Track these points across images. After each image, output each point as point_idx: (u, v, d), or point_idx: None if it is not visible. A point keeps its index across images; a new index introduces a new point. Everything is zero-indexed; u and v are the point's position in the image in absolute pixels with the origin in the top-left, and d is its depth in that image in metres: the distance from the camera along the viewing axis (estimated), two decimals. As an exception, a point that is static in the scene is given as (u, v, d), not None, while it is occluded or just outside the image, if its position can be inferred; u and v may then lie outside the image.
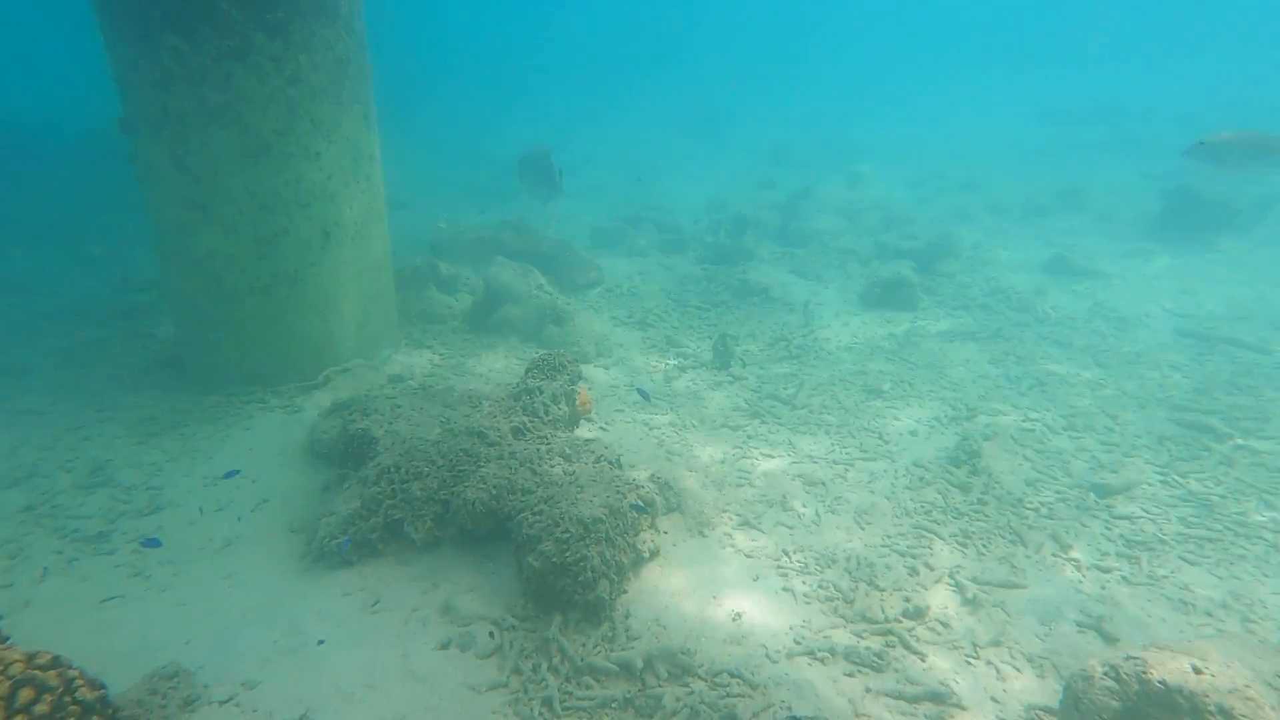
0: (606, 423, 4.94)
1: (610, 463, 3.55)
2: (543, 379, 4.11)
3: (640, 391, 4.67)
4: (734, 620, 3.02)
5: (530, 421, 3.83)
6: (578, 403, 4.33)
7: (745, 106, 25.46)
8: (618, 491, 3.15)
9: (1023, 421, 4.90)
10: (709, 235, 9.62)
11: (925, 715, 2.62)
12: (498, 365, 5.61)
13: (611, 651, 2.73)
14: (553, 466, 3.41)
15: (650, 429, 4.89)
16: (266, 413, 4.52)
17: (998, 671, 2.84)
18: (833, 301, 7.63)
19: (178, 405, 4.49)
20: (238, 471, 3.73)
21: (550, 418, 3.96)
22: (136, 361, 5.18)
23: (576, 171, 15.78)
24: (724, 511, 3.81)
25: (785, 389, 5.55)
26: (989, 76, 27.71)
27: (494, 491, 3.12)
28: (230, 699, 2.50)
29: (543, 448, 3.56)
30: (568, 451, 3.57)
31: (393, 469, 3.25)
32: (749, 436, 4.83)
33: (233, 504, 3.65)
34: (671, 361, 6.04)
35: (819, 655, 2.85)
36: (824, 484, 4.17)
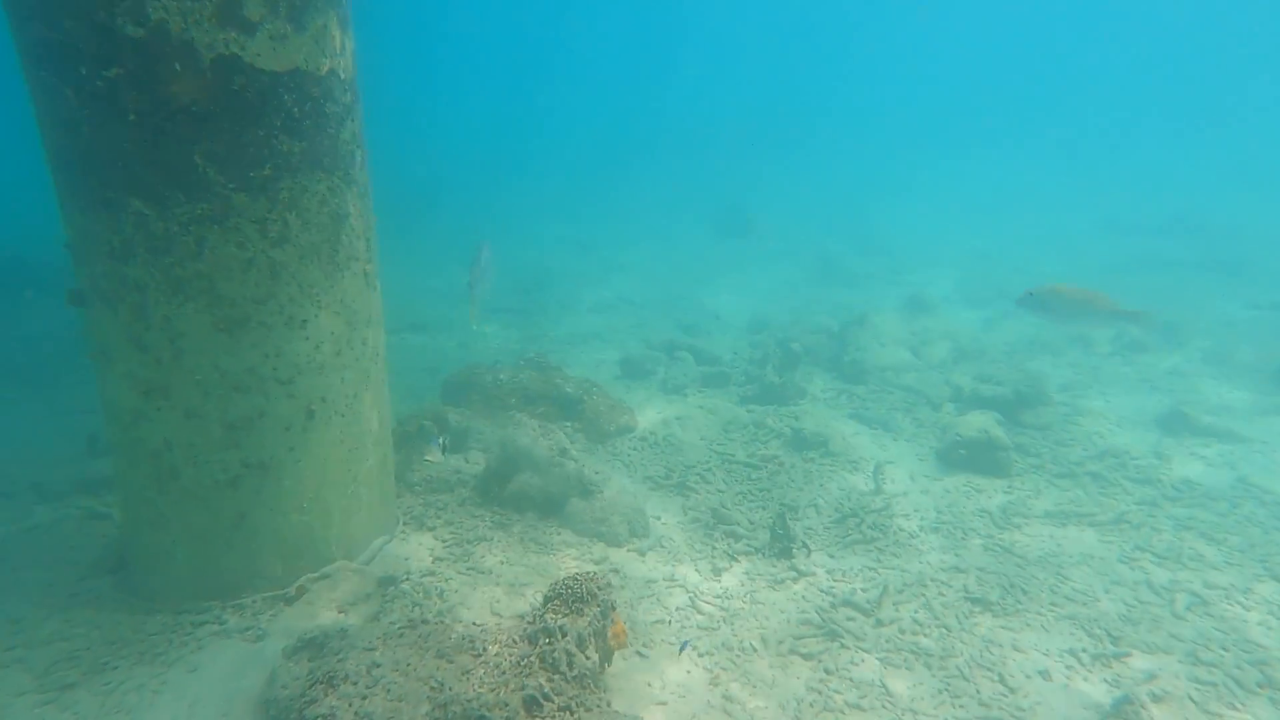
0: (645, 645, 4.06)
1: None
2: (566, 614, 3.30)
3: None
4: None
5: (550, 681, 2.99)
6: (610, 636, 3.51)
7: (775, 201, 25.72)
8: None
9: (1194, 667, 3.89)
10: (753, 368, 8.99)
11: None
12: (513, 555, 4.82)
13: None
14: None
15: (700, 655, 4.00)
16: (221, 640, 3.75)
17: None
18: (905, 459, 6.79)
19: (112, 633, 3.75)
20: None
21: (576, 672, 3.12)
22: (82, 558, 4.51)
23: (607, 284, 15.58)
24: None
25: (863, 589, 4.65)
26: (1049, 178, 27.82)
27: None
28: None
29: (563, 740, 2.70)
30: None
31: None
32: (827, 672, 3.91)
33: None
34: (720, 545, 5.19)
35: None
36: (943, 770, 3.20)
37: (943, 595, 4.52)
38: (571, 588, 3.35)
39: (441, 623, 3.48)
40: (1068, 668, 3.88)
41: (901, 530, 5.42)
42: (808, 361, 9.14)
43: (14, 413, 7.65)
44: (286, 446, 3.98)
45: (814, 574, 4.81)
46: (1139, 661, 3.90)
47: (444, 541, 4.91)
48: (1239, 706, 3.58)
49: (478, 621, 3.58)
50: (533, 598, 4.38)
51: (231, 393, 3.75)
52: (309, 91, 3.44)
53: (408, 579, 4.41)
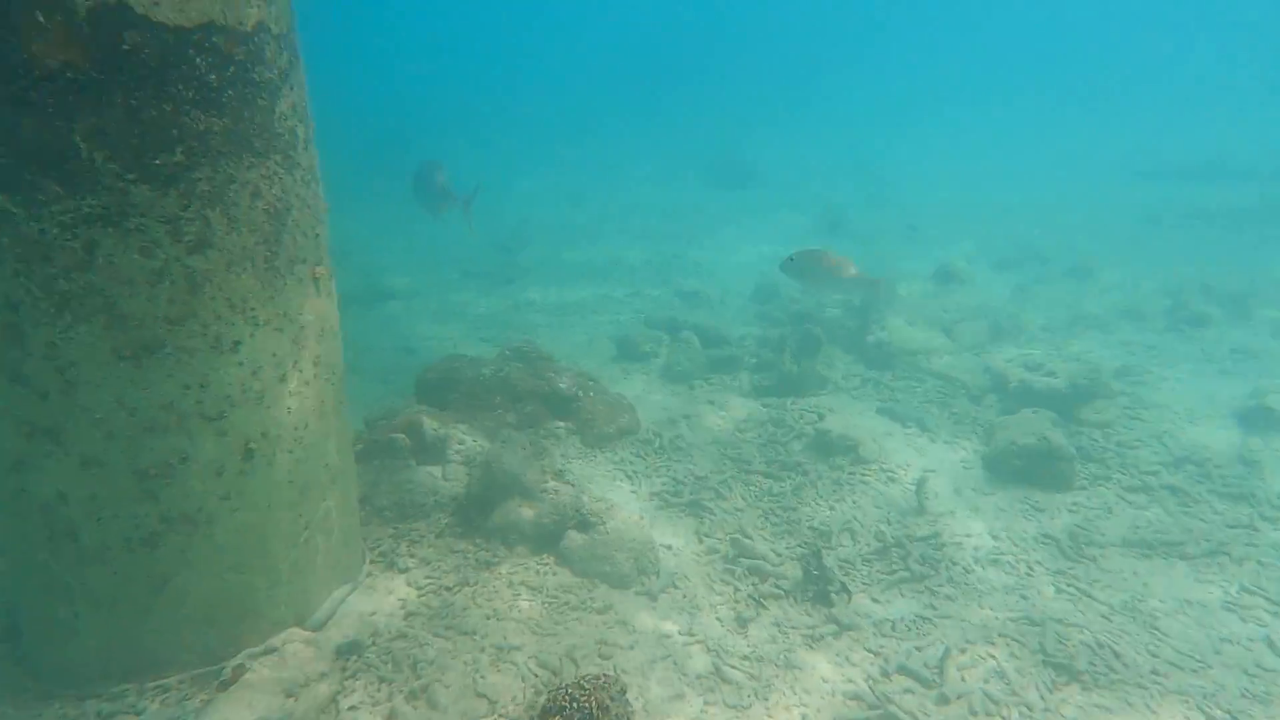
0: (663, 727, 3.59)
1: None
2: (574, 729, 2.79)
3: None
4: None
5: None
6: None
7: (777, 150, 24.89)
8: None
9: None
10: (766, 351, 8.43)
11: None
12: (500, 606, 4.30)
13: None
14: None
15: None
16: (135, 742, 3.21)
17: None
18: (946, 466, 6.32)
19: (-3, 731, 3.20)
20: None
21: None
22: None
23: (599, 241, 14.84)
24: None
25: (918, 648, 4.20)
26: (1068, 116, 27.03)
27: None
28: None
29: None
30: None
31: None
32: (887, 770, 3.47)
33: None
34: (744, 586, 4.71)
35: None
36: None
37: (1016, 659, 4.08)
38: (576, 699, 2.83)
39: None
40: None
41: (954, 564, 4.96)
42: (828, 344, 8.58)
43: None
44: (219, 495, 3.37)
45: (858, 627, 4.34)
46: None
47: (418, 589, 4.37)
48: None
49: (463, 731, 3.06)
50: (524, 667, 3.88)
51: (143, 434, 3.12)
52: (229, 53, 2.71)
53: (374, 643, 3.88)
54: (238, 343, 3.19)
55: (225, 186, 2.89)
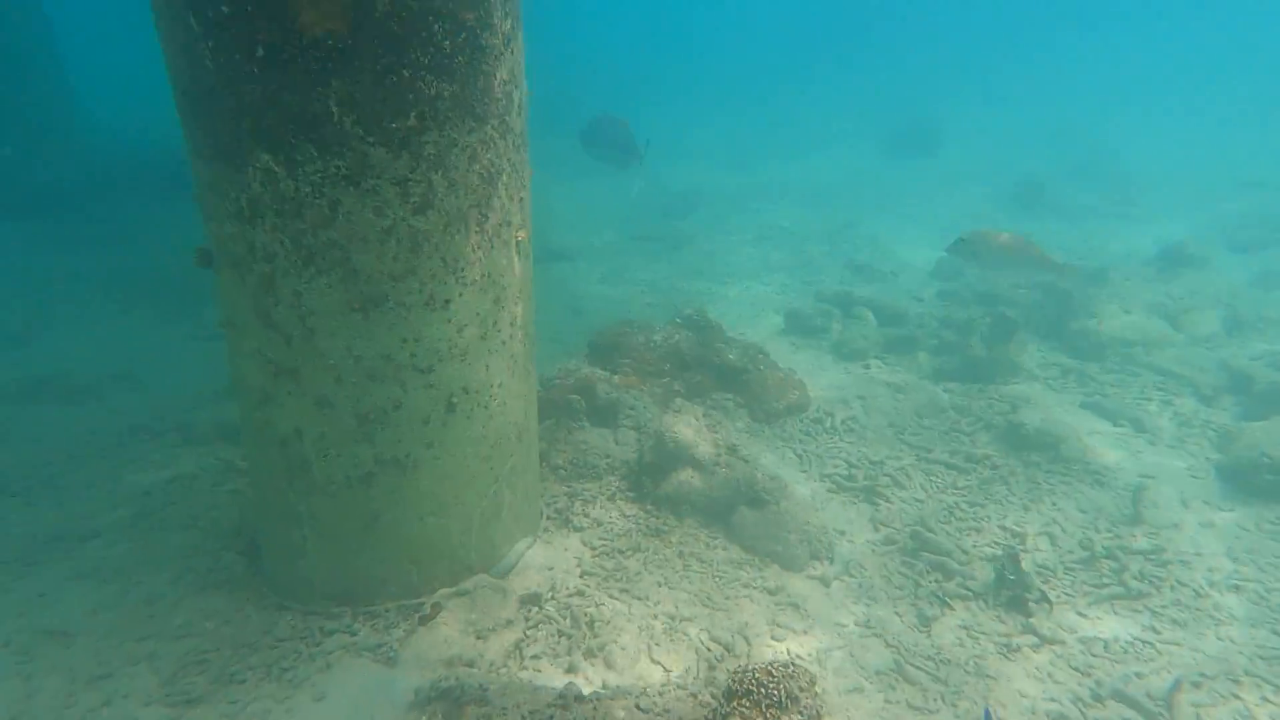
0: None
1: None
2: (752, 716, 2.74)
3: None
4: None
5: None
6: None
7: (965, 116, 23.02)
8: None
9: None
10: (948, 332, 7.86)
11: None
12: (671, 575, 4.34)
13: None
14: None
15: None
16: (351, 659, 3.57)
17: None
18: (1170, 474, 5.61)
19: (242, 632, 3.66)
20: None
21: (771, 793, 2.58)
22: (221, 523, 4.53)
23: (768, 209, 14.51)
24: None
25: (1138, 674, 3.77)
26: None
27: None
28: None
29: None
30: None
31: None
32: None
33: None
34: (926, 582, 4.45)
35: None
36: None
37: (1270, 702, 3.55)
38: (764, 685, 2.76)
39: (598, 704, 3.05)
40: None
41: (1183, 585, 4.40)
42: (1021, 326, 7.85)
43: (163, 335, 8.09)
44: (424, 443, 3.63)
45: (1062, 641, 3.97)
46: None
47: (593, 549, 4.51)
48: None
49: (641, 703, 3.11)
50: (697, 639, 3.89)
51: (366, 381, 3.40)
52: (462, 19, 2.81)
53: (552, 598, 4.04)
54: (448, 301, 3.38)
55: (448, 150, 3.03)
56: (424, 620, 3.74)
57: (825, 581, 4.47)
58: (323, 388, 3.40)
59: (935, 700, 3.60)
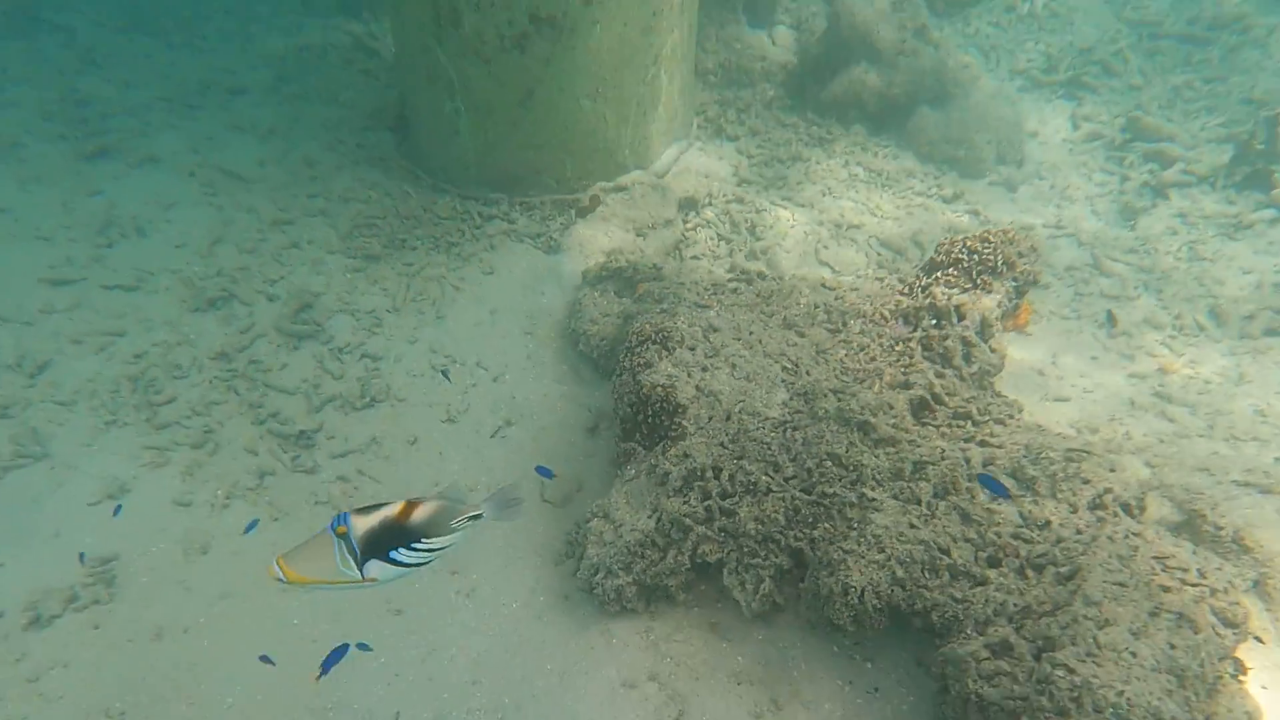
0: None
1: (1125, 506, 2.06)
2: (966, 288, 2.53)
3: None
4: None
5: (942, 379, 2.40)
6: (1013, 321, 2.77)
7: None
8: (1182, 615, 1.71)
9: None
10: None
11: None
12: (835, 184, 3.99)
13: None
14: (1032, 514, 2.05)
15: (1135, 380, 3.11)
16: (513, 244, 3.56)
17: None
18: None
19: (404, 205, 3.66)
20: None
21: (975, 368, 2.48)
22: (359, 104, 4.38)
23: None
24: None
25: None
26: None
27: (898, 574, 1.91)
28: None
29: (977, 451, 2.17)
30: (1043, 465, 2.13)
31: (710, 473, 2.13)
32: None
33: (465, 418, 2.89)
34: (1135, 174, 3.93)
35: None
36: None
37: None
38: (978, 251, 2.49)
39: (783, 281, 2.89)
40: None
41: None
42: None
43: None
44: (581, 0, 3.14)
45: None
46: None
47: (749, 157, 4.14)
48: None
49: (828, 282, 2.95)
50: (865, 244, 3.65)
51: (512, -86, 2.83)
52: None
53: (710, 203, 3.81)
54: None
55: None
56: (582, 212, 3.62)
57: (1010, 186, 4.03)
58: (466, -79, 2.87)
59: (1135, 289, 3.33)
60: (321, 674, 1.72)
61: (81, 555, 2.35)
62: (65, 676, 2.12)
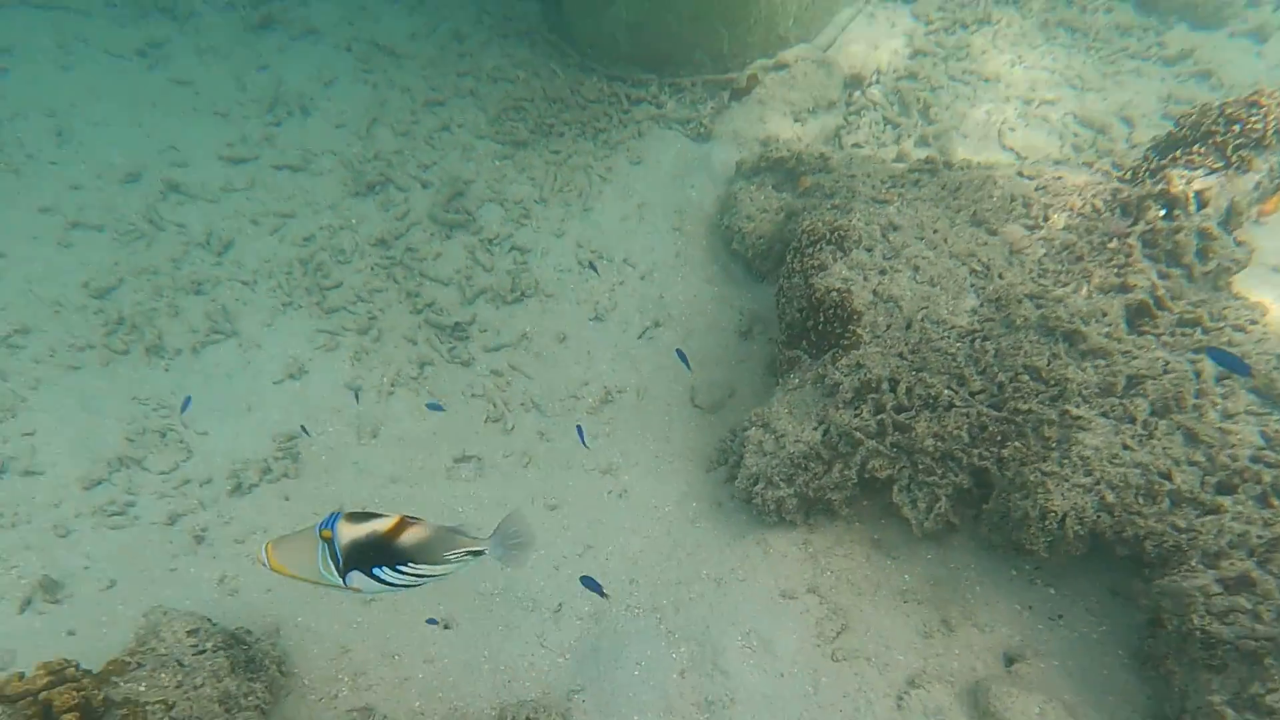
0: None
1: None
2: (1208, 163, 2.12)
3: None
4: None
5: (1168, 284, 2.07)
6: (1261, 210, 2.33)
7: None
8: None
9: None
10: None
11: None
12: (1026, 52, 3.45)
13: None
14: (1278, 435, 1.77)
15: None
16: (662, 131, 3.36)
17: None
18: None
19: (550, 87, 3.52)
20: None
21: (1213, 264, 2.11)
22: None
23: None
24: None
25: None
26: None
27: (1110, 500, 1.70)
28: None
29: (1209, 364, 1.87)
30: None
31: (885, 385, 1.96)
32: None
33: (612, 316, 2.82)
34: None
35: None
36: None
37: None
38: (1242, 119, 2.06)
39: (972, 170, 2.55)
40: None
41: None
42: None
43: None
44: None
45: None
46: None
47: (926, 23, 3.64)
48: None
49: (1026, 170, 2.56)
50: (1058, 122, 3.17)
51: None
52: None
53: (878, 80, 3.41)
54: None
55: None
56: (737, 94, 3.34)
57: (1261, 35, 3.36)
58: None
59: None
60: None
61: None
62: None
